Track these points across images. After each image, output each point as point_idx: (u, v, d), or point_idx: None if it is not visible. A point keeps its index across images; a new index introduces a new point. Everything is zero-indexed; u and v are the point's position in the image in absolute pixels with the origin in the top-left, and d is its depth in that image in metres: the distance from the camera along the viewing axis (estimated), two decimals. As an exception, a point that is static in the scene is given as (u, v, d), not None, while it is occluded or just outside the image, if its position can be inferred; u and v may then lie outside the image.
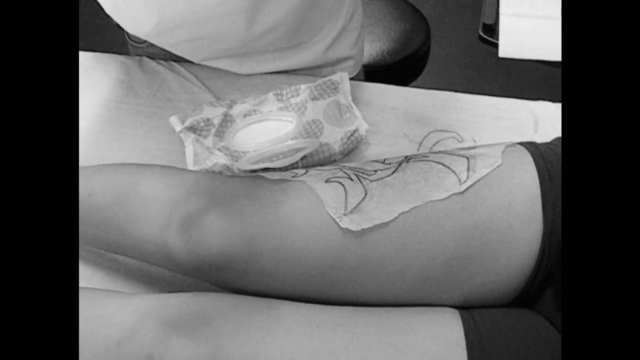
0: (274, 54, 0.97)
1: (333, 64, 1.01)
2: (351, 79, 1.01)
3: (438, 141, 0.89)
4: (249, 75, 0.99)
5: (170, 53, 0.98)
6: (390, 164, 0.67)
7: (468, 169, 0.63)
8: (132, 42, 1.06)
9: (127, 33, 1.04)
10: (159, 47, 0.97)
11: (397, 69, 1.39)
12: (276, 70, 0.99)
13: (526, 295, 0.63)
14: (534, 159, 0.64)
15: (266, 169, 0.83)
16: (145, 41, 1.01)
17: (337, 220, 0.61)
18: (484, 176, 0.62)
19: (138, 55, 1.06)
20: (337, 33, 0.97)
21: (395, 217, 0.61)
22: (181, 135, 0.88)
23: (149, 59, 1.03)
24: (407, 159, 0.67)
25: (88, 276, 0.77)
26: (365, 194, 0.63)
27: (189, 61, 1.00)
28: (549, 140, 0.70)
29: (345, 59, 1.02)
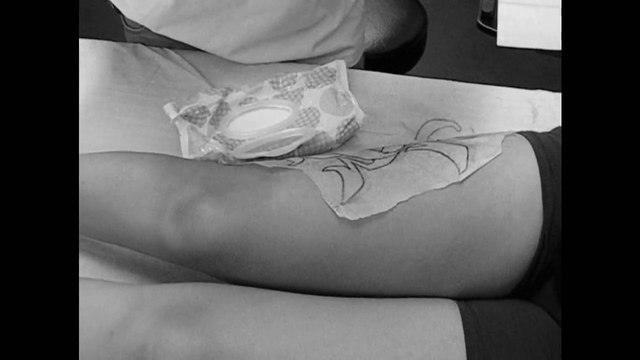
0: (272, 43, 0.95)
1: (333, 54, 0.99)
2: (351, 67, 1.00)
3: (435, 130, 0.88)
4: (245, 63, 0.98)
5: (166, 39, 0.97)
6: (388, 152, 0.66)
7: (467, 159, 0.63)
8: (128, 28, 1.04)
9: (124, 18, 1.03)
10: (156, 33, 0.96)
11: (393, 57, 1.38)
12: (274, 60, 0.98)
13: (525, 287, 0.63)
14: (534, 149, 0.63)
15: (262, 158, 0.82)
16: (142, 26, 1.00)
17: (334, 209, 0.60)
18: (484, 166, 0.62)
19: (134, 41, 1.04)
20: (338, 22, 0.96)
21: (393, 207, 0.60)
22: (176, 123, 0.88)
23: (143, 46, 1.02)
24: (406, 147, 0.66)
25: (81, 265, 0.76)
26: (363, 183, 0.62)
27: (184, 48, 0.99)
28: (547, 130, 0.69)
29: (345, 48, 1.00)
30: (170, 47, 1.01)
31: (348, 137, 0.87)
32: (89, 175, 0.69)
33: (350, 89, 0.91)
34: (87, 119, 0.92)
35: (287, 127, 0.86)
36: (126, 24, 1.04)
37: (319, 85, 0.90)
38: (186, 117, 0.87)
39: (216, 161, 0.81)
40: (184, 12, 0.89)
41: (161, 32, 0.94)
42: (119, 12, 0.97)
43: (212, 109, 0.88)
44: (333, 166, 0.64)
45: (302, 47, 0.96)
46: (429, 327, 0.58)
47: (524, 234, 0.60)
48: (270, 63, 0.98)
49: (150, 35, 0.99)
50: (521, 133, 0.67)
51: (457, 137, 0.68)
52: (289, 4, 0.88)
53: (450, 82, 0.95)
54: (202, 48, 0.97)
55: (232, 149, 0.84)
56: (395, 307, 0.60)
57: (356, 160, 0.65)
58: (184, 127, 0.86)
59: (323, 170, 0.64)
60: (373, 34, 1.38)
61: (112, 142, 0.89)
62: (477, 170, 0.62)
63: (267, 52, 0.96)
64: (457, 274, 0.61)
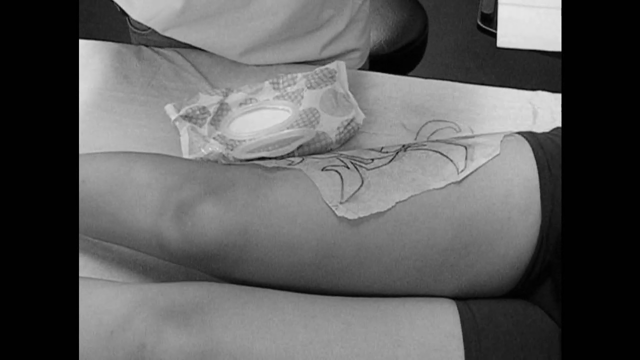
0: (280, 45, 0.95)
1: (339, 56, 0.99)
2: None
3: (435, 131, 0.89)
4: (253, 64, 0.98)
5: (173, 40, 0.97)
6: (387, 152, 0.66)
7: (466, 158, 0.63)
8: (134, 30, 1.04)
9: (130, 20, 1.03)
10: (162, 35, 0.96)
11: (394, 58, 1.38)
12: (281, 62, 0.98)
13: (523, 287, 0.63)
14: (533, 149, 0.63)
15: (262, 158, 0.82)
16: (149, 28, 1.00)
17: (334, 208, 0.60)
18: (482, 165, 0.62)
19: (139, 43, 1.04)
20: (345, 24, 0.96)
21: (392, 206, 0.60)
22: (176, 123, 0.88)
23: (144, 47, 1.02)
24: (405, 147, 0.67)
25: (81, 265, 0.76)
26: (362, 182, 0.62)
27: (186, 48, 0.99)
28: (547, 130, 0.69)
29: (352, 50, 1.00)
30: (172, 47, 1.01)
31: (348, 137, 0.87)
32: (89, 174, 0.69)
33: (350, 89, 0.92)
34: (88, 120, 0.93)
35: (287, 128, 0.87)
36: (132, 25, 1.04)
37: (319, 86, 0.90)
38: (186, 117, 0.88)
39: (216, 161, 0.82)
40: (190, 15, 0.89)
41: (168, 34, 0.94)
42: (124, 14, 0.97)
43: (212, 110, 0.89)
44: (332, 166, 0.64)
45: (309, 49, 0.97)
46: (427, 327, 0.58)
47: (523, 233, 0.60)
48: (272, 64, 0.98)
49: (157, 37, 0.99)
50: (520, 133, 0.67)
51: (456, 137, 0.68)
52: (292, 7, 0.88)
53: (450, 83, 0.95)
54: (210, 50, 0.97)
55: (232, 150, 0.84)
56: (394, 306, 0.60)
57: (355, 160, 0.65)
58: (184, 128, 0.87)
59: (322, 169, 0.64)
60: (374, 36, 1.38)
61: (113, 143, 0.90)
62: (475, 170, 0.62)
63: (275, 54, 0.96)
64: (456, 273, 0.61)
